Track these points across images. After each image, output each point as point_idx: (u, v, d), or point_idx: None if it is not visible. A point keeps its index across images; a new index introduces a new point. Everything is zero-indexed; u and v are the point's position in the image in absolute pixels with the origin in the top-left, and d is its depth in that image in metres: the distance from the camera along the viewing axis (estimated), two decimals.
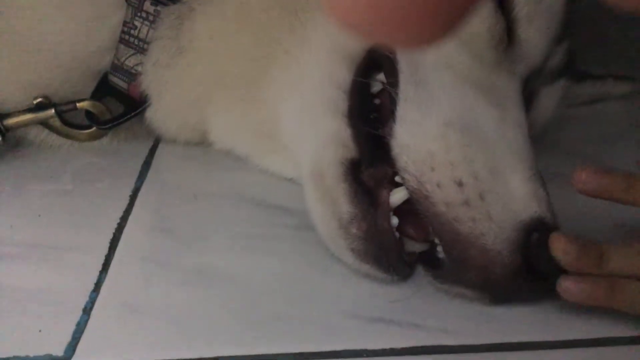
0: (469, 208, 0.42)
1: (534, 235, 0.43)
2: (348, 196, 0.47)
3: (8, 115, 0.60)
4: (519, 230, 0.42)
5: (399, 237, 0.46)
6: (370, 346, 0.43)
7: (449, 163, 0.43)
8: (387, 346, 0.43)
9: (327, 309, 0.46)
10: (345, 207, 0.47)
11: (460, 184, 0.43)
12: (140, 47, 0.58)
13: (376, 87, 0.51)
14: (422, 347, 0.43)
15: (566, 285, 0.41)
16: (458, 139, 0.44)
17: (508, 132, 0.46)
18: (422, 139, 0.44)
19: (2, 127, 0.60)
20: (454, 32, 0.14)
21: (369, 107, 0.50)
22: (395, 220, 0.46)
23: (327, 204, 0.48)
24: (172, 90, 0.59)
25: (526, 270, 0.43)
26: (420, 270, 0.48)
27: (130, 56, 0.59)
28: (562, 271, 0.42)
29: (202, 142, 0.64)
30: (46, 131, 0.63)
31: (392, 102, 0.47)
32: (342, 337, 0.44)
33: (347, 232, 0.46)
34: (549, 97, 0.57)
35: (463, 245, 0.43)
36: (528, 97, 0.54)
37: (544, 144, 0.63)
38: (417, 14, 0.13)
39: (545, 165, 0.59)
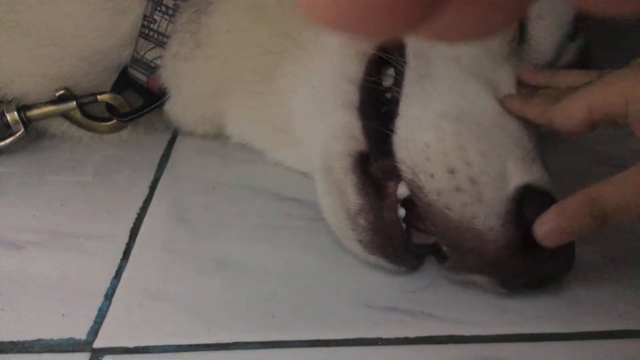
0: (460, 194, 0.42)
1: (526, 203, 0.42)
2: (356, 188, 0.48)
3: (31, 106, 0.61)
4: (507, 202, 0.42)
5: (406, 228, 0.47)
6: (385, 335, 0.44)
7: (442, 152, 0.43)
8: (401, 335, 0.44)
9: (341, 298, 0.47)
10: (353, 198, 0.47)
11: (452, 172, 0.43)
12: (160, 41, 0.59)
13: (388, 82, 0.51)
14: (436, 336, 0.44)
15: (541, 231, 0.40)
16: (451, 128, 0.44)
17: (506, 121, 0.47)
18: (420, 131, 0.45)
19: (24, 119, 0.61)
20: (432, 17, 0.14)
21: (380, 101, 0.51)
22: (402, 212, 0.46)
23: (336, 196, 0.49)
24: (190, 83, 0.60)
25: (526, 243, 0.42)
26: (434, 261, 0.49)
27: (149, 50, 0.60)
28: None
29: (219, 135, 0.65)
30: (67, 123, 0.64)
31: (397, 99, 0.48)
32: (356, 326, 0.44)
33: (355, 223, 0.47)
34: None
35: (456, 231, 0.43)
36: None
37: (556, 140, 0.63)
38: (385, 5, 0.13)
39: (557, 161, 0.60)
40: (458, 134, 0.44)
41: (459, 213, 0.42)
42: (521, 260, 0.43)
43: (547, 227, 0.40)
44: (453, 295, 0.47)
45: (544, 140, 0.50)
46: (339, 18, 0.13)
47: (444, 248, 0.45)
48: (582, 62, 0.55)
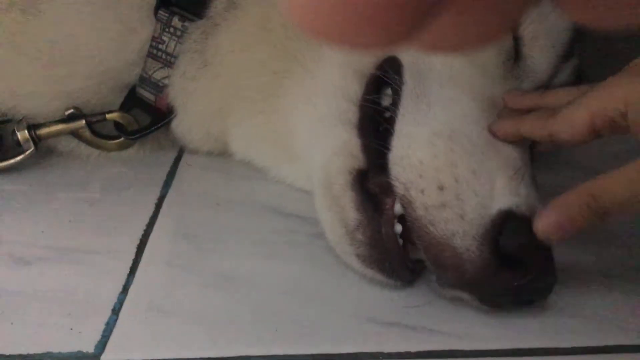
0: (444, 210, 0.43)
1: (505, 232, 0.43)
2: (354, 204, 0.49)
3: (41, 125, 0.63)
4: (486, 225, 0.43)
5: (402, 243, 0.48)
6: (386, 349, 0.44)
7: (434, 169, 0.45)
8: (402, 349, 0.45)
9: (343, 313, 0.48)
10: (351, 214, 0.49)
11: (441, 188, 0.44)
12: (168, 61, 0.61)
13: (387, 101, 0.53)
14: (437, 351, 0.45)
15: (541, 226, 0.41)
16: (445, 145, 0.45)
17: (498, 141, 0.48)
18: (414, 149, 0.46)
19: (35, 137, 0.62)
20: (420, 29, 0.14)
21: (378, 120, 0.52)
22: (399, 227, 0.47)
23: (335, 211, 0.50)
24: (196, 101, 0.62)
25: (501, 264, 0.43)
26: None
27: (158, 69, 0.61)
28: (536, 260, 0.43)
29: (223, 153, 0.67)
30: (76, 141, 0.65)
31: (393, 118, 0.49)
32: (358, 340, 0.45)
33: (353, 238, 0.49)
34: None
35: (437, 248, 0.44)
36: None
37: (557, 159, 0.64)
38: (375, 16, 0.13)
39: (556, 179, 0.61)
40: (451, 152, 0.45)
41: (441, 229, 0.44)
42: (497, 282, 0.43)
43: (546, 222, 0.41)
44: (454, 310, 0.48)
45: (539, 157, 0.51)
46: (330, 29, 0.14)
47: (427, 263, 0.46)
48: (577, 81, 0.56)
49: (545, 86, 0.54)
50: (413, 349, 0.45)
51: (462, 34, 0.15)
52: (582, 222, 0.40)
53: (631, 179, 0.39)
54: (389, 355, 0.44)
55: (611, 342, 0.45)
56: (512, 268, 0.43)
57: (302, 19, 0.14)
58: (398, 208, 0.47)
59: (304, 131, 0.57)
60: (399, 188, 0.46)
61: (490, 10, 0.15)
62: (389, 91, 0.52)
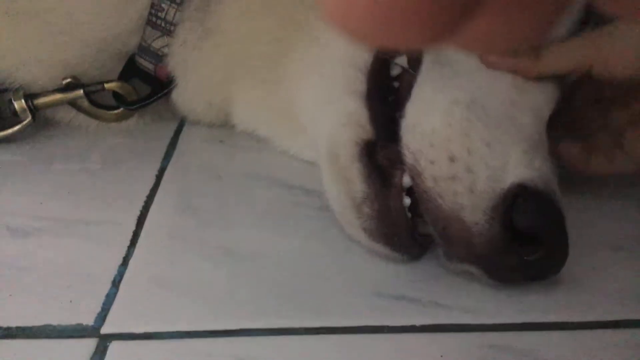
0: (454, 182, 0.42)
1: (516, 207, 0.42)
2: (362, 176, 0.47)
3: (38, 95, 0.61)
4: (496, 198, 0.42)
5: (411, 217, 0.46)
6: (391, 323, 0.44)
7: (447, 139, 0.43)
8: (407, 323, 0.44)
9: (349, 286, 0.47)
10: (358, 186, 0.47)
11: (452, 160, 0.42)
12: (167, 29, 0.59)
13: (396, 70, 0.51)
14: (443, 325, 0.44)
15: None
16: (461, 114, 0.44)
17: (518, 113, 0.46)
18: (429, 116, 0.45)
19: (32, 107, 0.61)
20: (456, 30, 0.14)
21: (388, 90, 0.51)
22: (407, 201, 0.46)
23: (342, 184, 0.48)
24: (198, 71, 0.60)
25: (511, 239, 0.42)
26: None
27: (157, 38, 0.60)
28: (549, 237, 0.42)
29: (225, 124, 0.65)
30: (74, 111, 0.64)
31: (410, 84, 0.47)
32: (363, 314, 0.44)
33: (360, 211, 0.47)
34: None
35: (446, 221, 0.43)
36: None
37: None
38: (417, 15, 0.13)
39: None
40: (466, 121, 0.44)
41: (450, 202, 0.42)
42: (507, 257, 0.42)
43: None
44: (461, 284, 0.47)
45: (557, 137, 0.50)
46: (362, 28, 0.13)
47: (435, 237, 0.45)
48: None
49: None
50: (419, 322, 0.44)
51: (497, 35, 0.15)
52: None
53: None
54: (394, 329, 0.43)
55: (621, 316, 0.44)
56: (524, 243, 0.42)
57: (336, 17, 0.13)
58: (407, 180, 0.46)
59: (309, 101, 0.55)
60: (408, 157, 0.45)
61: (527, 13, 0.14)
62: (400, 60, 0.50)
